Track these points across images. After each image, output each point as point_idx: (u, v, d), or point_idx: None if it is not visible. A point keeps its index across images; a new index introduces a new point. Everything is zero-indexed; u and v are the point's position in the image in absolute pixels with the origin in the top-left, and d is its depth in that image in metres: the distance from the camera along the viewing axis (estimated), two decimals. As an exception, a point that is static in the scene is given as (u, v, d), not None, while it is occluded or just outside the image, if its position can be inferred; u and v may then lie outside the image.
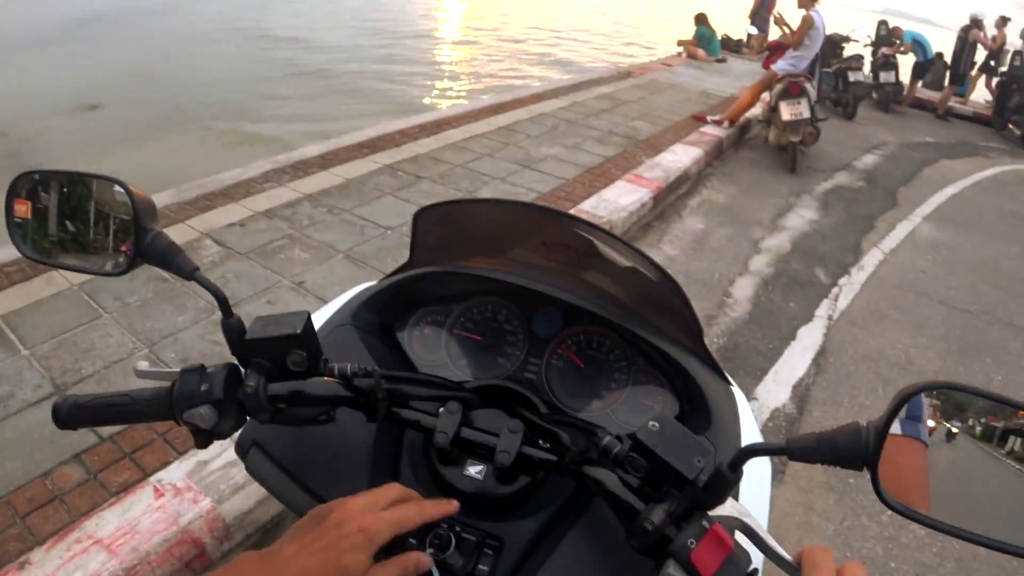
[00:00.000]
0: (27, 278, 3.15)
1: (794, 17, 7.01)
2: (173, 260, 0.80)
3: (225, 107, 10.46)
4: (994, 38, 10.97)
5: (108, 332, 2.78)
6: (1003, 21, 10.95)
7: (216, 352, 2.67)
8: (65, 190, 0.92)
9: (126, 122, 9.74)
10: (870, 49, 11.26)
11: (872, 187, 6.36)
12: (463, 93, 11.74)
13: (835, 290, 4.00)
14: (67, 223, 0.92)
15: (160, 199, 4.14)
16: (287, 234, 3.73)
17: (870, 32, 11.23)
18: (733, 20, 16.28)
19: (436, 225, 1.05)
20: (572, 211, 4.15)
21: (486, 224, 1.06)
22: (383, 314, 1.04)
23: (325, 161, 4.96)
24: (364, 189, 4.43)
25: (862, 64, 9.85)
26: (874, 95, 10.74)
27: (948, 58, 11.38)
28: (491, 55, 16.28)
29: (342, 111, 10.18)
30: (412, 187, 4.50)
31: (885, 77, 10.55)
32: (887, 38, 11.29)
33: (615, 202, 4.37)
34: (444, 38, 18.10)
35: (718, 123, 7.04)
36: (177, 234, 3.64)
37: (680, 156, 5.73)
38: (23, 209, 0.92)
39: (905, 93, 10.97)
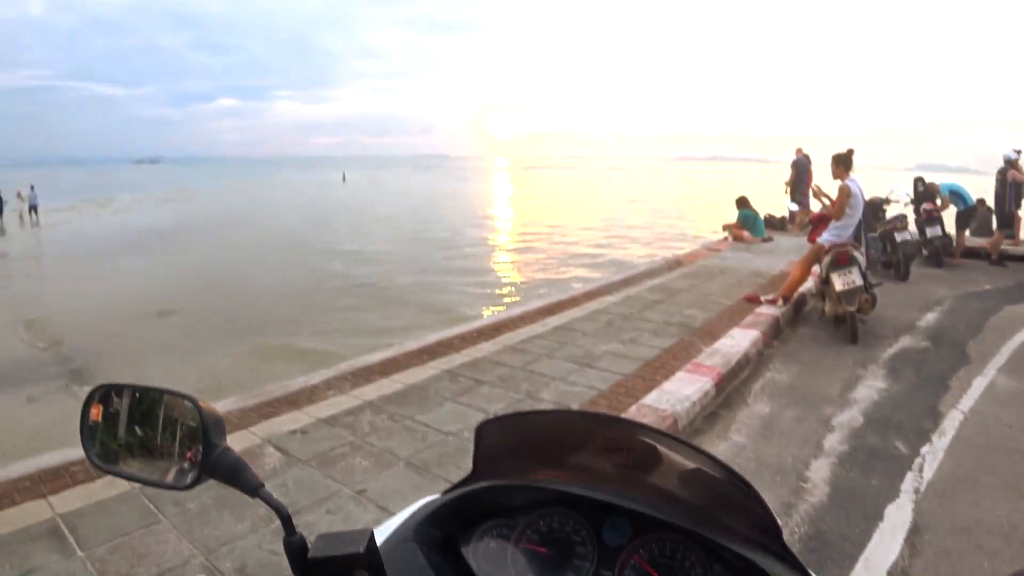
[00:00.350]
0: (91, 479, 3.31)
1: (832, 188, 7.30)
2: (239, 476, 0.85)
3: (290, 318, 11.18)
4: None
5: (166, 537, 2.83)
6: None
7: (274, 562, 2.67)
8: (138, 401, 0.97)
9: (193, 329, 10.55)
10: (911, 207, 11.48)
11: (939, 345, 6.26)
12: (518, 297, 12.26)
13: (918, 460, 3.86)
14: (136, 434, 0.96)
15: (223, 405, 4.34)
16: (348, 441, 3.82)
17: (908, 191, 11.52)
18: (773, 199, 16.91)
19: (498, 437, 1.06)
20: (634, 406, 4.22)
21: (549, 434, 1.07)
22: (447, 528, 1.03)
23: (386, 368, 5.14)
24: (425, 395, 4.55)
25: (907, 223, 10.03)
26: (924, 252, 10.81)
27: (991, 203, 11.49)
28: (542, 258, 17.11)
29: (401, 321, 10.73)
30: (472, 392, 4.61)
31: (931, 232, 10.67)
32: (926, 194, 11.53)
33: (677, 393, 4.42)
34: (496, 245, 19.22)
35: (772, 302, 7.17)
36: (239, 440, 3.78)
37: (738, 340, 5.82)
38: (95, 413, 0.98)
39: (955, 245, 10.99)
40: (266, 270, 14.91)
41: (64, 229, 27.93)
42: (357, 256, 16.61)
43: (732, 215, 13.74)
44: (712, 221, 26.97)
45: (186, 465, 0.90)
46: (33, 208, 31.15)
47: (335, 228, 22.76)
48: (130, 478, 0.97)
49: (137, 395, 0.97)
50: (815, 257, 6.97)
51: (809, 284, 7.62)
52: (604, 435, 1.03)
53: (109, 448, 0.98)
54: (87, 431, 0.99)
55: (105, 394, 0.99)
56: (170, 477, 0.92)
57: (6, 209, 30.44)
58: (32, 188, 31.72)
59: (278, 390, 4.68)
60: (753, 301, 7.35)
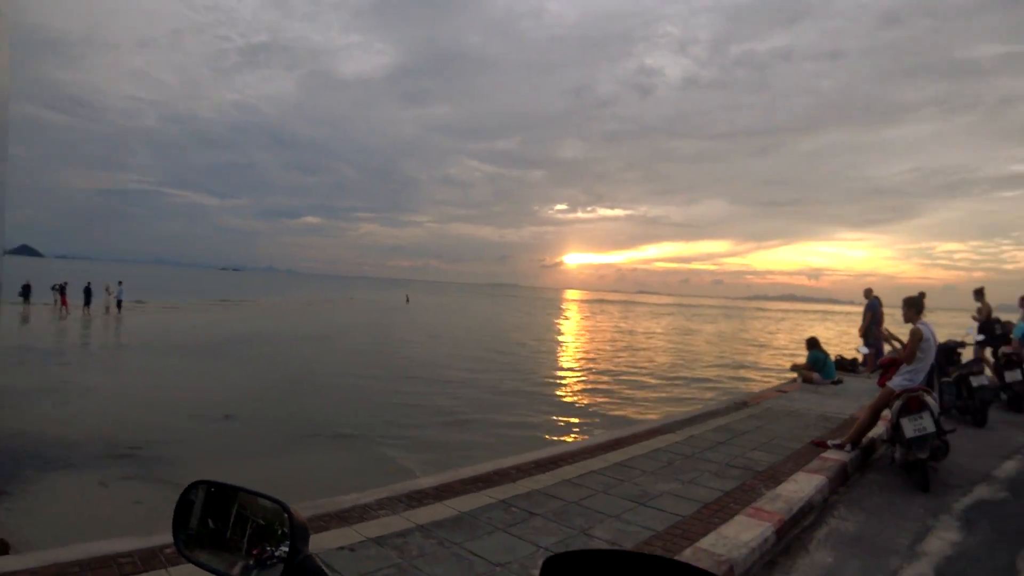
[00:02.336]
0: (137, 572, 3.42)
1: (903, 332, 7.26)
2: None
3: (347, 433, 11.40)
4: None
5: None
6: None
7: None
8: (232, 501, 1.05)
9: (256, 436, 10.93)
10: (989, 351, 11.16)
11: (1018, 496, 5.98)
12: (579, 429, 12.22)
13: (993, 621, 3.69)
14: (226, 529, 1.03)
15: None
16: (395, 563, 3.82)
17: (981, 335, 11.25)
18: (844, 341, 16.61)
19: (565, 573, 1.03)
20: (689, 549, 4.18)
21: (618, 574, 1.04)
22: None
23: (440, 492, 5.20)
24: (476, 523, 4.55)
25: (983, 368, 9.74)
26: (1003, 396, 10.40)
27: None
28: (606, 390, 17.03)
29: (458, 444, 10.84)
30: (525, 523, 4.60)
31: (1011, 377, 10.29)
32: (1004, 336, 11.21)
33: (735, 538, 4.36)
34: (560, 375, 19.16)
35: (840, 447, 7.02)
36: None
37: (802, 485, 5.70)
38: (189, 509, 1.06)
39: None
40: (337, 387, 15.39)
41: (141, 325, 30.05)
42: (420, 382, 17.02)
43: (803, 356, 13.58)
44: (777, 359, 26.57)
45: (269, 566, 0.97)
46: (119, 302, 34.14)
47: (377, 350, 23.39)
48: (211, 571, 1.03)
49: (233, 501, 1.07)
50: (885, 402, 6.85)
51: (879, 430, 7.44)
52: None
53: (198, 538, 1.07)
54: (180, 519, 1.09)
55: (202, 490, 1.10)
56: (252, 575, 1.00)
57: (94, 301, 33.18)
58: (120, 284, 35.07)
59: (329, 504, 4.78)
60: (820, 445, 7.20)
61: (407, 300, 76.08)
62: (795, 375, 13.29)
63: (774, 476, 6.00)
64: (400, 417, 12.69)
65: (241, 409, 12.63)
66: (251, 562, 1.01)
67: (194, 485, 1.12)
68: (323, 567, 0.93)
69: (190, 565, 1.07)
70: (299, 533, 0.95)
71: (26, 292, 34.90)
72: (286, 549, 0.96)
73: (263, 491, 1.06)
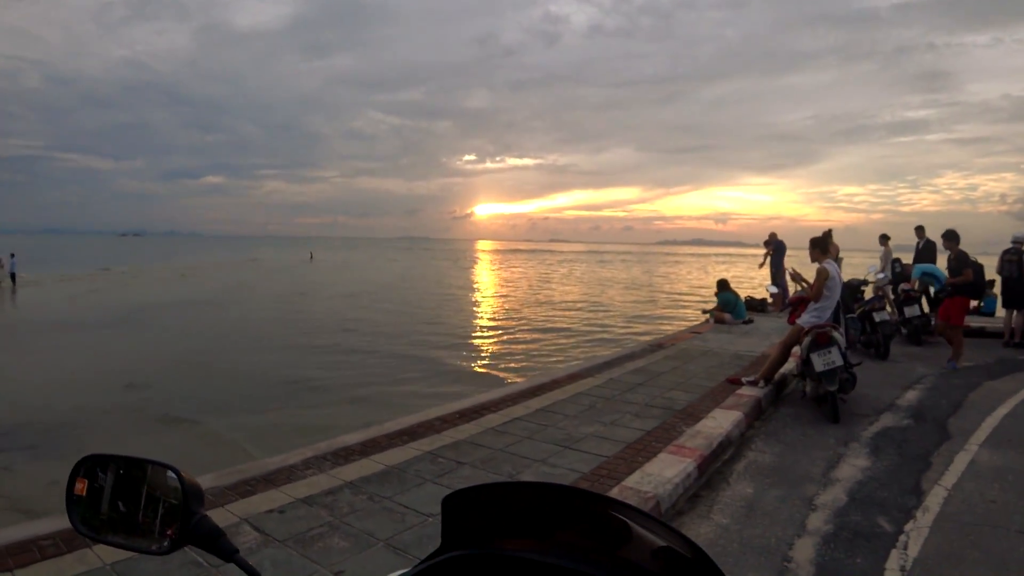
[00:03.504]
0: (60, 553, 3.26)
1: (810, 271, 7.50)
2: (215, 542, 0.90)
3: (262, 395, 11.16)
4: None
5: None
6: None
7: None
8: (121, 472, 1.03)
9: (164, 405, 10.47)
10: (889, 288, 11.78)
11: (920, 423, 6.34)
12: (499, 378, 12.24)
13: (903, 538, 3.86)
14: (119, 503, 1.01)
15: (200, 482, 4.28)
16: (327, 522, 3.77)
17: (886, 274, 11.86)
18: (752, 281, 17.23)
19: (465, 509, 1.07)
20: (616, 488, 4.22)
21: (516, 505, 1.07)
22: None
23: (366, 448, 5.11)
24: (405, 476, 4.52)
25: (884, 304, 10.27)
26: (903, 331, 11.02)
27: None
28: (523, 340, 17.18)
29: (381, 397, 10.76)
30: (453, 473, 4.58)
31: (910, 312, 10.89)
32: (903, 275, 11.85)
33: (659, 475, 4.43)
34: (476, 328, 19.19)
35: (753, 383, 7.24)
36: (216, 518, 3.69)
37: (720, 421, 5.86)
38: (81, 487, 1.04)
39: (933, 324, 11.10)
40: (245, 349, 14.90)
41: (39, 298, 28.33)
42: (336, 339, 16.70)
43: (714, 299, 13.99)
44: (689, 303, 27.40)
45: (166, 536, 0.95)
46: (12, 276, 32.05)
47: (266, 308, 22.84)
48: (109, 543, 1.00)
49: (121, 471, 1.03)
50: (795, 338, 7.09)
51: (790, 365, 7.73)
52: (573, 507, 1.03)
53: (93, 522, 1.03)
54: (73, 501, 1.04)
55: (91, 466, 1.05)
56: (150, 543, 0.97)
57: None
58: (12, 256, 32.59)
59: (255, 468, 4.64)
60: (735, 383, 7.42)
61: (311, 258, 75.01)
62: (707, 317, 13.68)
63: (693, 414, 6.14)
64: (309, 375, 12.44)
65: (148, 379, 12.04)
66: (149, 528, 0.98)
67: (81, 461, 1.06)
68: (216, 525, 0.92)
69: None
70: (191, 494, 0.94)
71: None
72: (182, 512, 0.94)
73: (151, 457, 1.03)
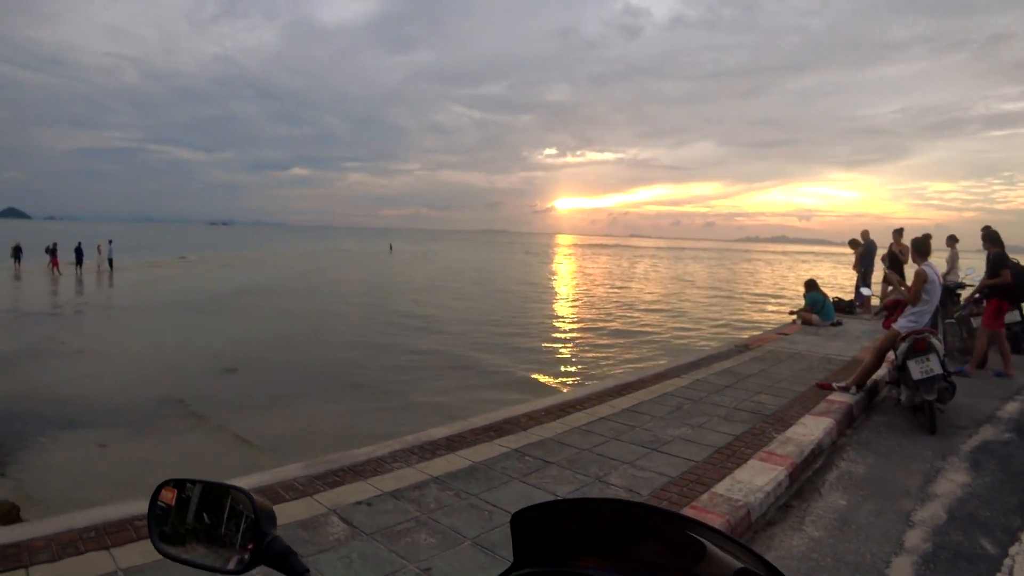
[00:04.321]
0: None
1: (908, 273, 7.19)
2: (287, 562, 0.93)
3: (351, 381, 11.51)
4: None
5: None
6: None
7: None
8: (198, 495, 1.10)
9: (260, 387, 11.00)
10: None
11: (1023, 437, 6.01)
12: (587, 376, 12.21)
13: (1007, 562, 3.67)
14: (200, 522, 1.08)
15: (290, 471, 4.41)
16: (414, 516, 3.78)
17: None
18: (840, 282, 16.63)
19: (537, 526, 1.06)
20: (706, 494, 4.16)
21: (589, 523, 1.05)
22: None
23: (452, 443, 5.15)
24: (491, 473, 4.51)
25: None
26: None
27: None
28: (600, 342, 17.03)
29: (465, 388, 10.89)
30: (540, 472, 4.57)
31: (1010, 318, 10.26)
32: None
33: (749, 483, 4.35)
34: (562, 326, 19.12)
35: (845, 389, 7.00)
36: (305, 508, 3.82)
37: (811, 428, 5.69)
38: (169, 496, 1.11)
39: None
40: (337, 334, 15.32)
41: (135, 283, 30.22)
42: (421, 324, 16.96)
43: (802, 299, 13.59)
44: (777, 305, 26.61)
45: (242, 555, 1.01)
46: (110, 261, 34.71)
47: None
48: (185, 562, 1.07)
49: (198, 490, 1.11)
50: (890, 343, 6.80)
51: (883, 371, 7.43)
52: (646, 525, 1.01)
53: (175, 533, 1.11)
54: (155, 517, 1.13)
55: (175, 486, 1.13)
56: (225, 563, 1.03)
57: (85, 261, 33.26)
58: (110, 243, 35.10)
59: (344, 459, 4.73)
60: (825, 388, 7.19)
61: (390, 249, 77.04)
62: (795, 318, 13.30)
63: (782, 419, 5.99)
64: (401, 361, 12.72)
65: (240, 362, 12.67)
66: (224, 549, 1.05)
67: (162, 485, 1.14)
68: (288, 546, 0.97)
69: None
70: (264, 517, 0.98)
71: (17, 253, 34.61)
72: (254, 533, 0.99)
73: (230, 482, 1.10)
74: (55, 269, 32.94)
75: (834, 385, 7.17)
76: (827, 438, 5.61)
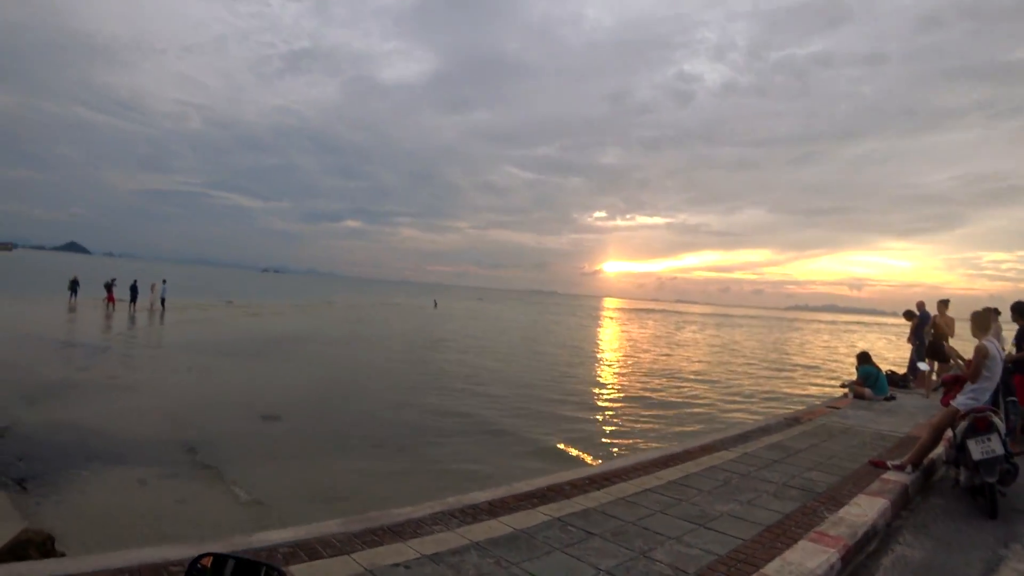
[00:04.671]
0: None
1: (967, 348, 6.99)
2: None
3: (390, 437, 11.45)
4: None
5: None
6: None
7: None
8: (236, 569, 1.15)
9: (300, 437, 11.01)
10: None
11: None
12: (630, 448, 11.95)
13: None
14: None
15: (328, 527, 4.39)
16: None
17: None
18: (896, 355, 16.19)
19: None
20: (755, 575, 4.05)
21: None
22: None
23: (494, 508, 5.07)
24: (533, 542, 4.41)
25: None
26: None
27: None
28: (652, 403, 16.76)
29: (504, 455, 10.77)
30: (583, 543, 4.46)
31: None
32: None
33: (800, 565, 4.21)
34: (605, 393, 18.88)
35: (900, 468, 6.78)
36: (341, 567, 3.77)
37: (865, 508, 5.51)
38: (207, 561, 1.17)
39: None
40: (378, 387, 15.29)
41: (185, 323, 31.14)
42: (464, 384, 16.79)
43: (853, 371, 13.28)
44: (824, 375, 25.95)
45: None
46: (162, 300, 36.22)
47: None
48: None
49: (233, 565, 1.16)
50: (948, 421, 6.59)
51: (940, 450, 7.17)
52: None
53: None
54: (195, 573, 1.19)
55: (212, 559, 1.19)
56: None
57: (140, 298, 34.96)
58: (164, 283, 36.61)
59: (384, 518, 4.68)
60: (879, 465, 6.97)
61: (435, 305, 78.37)
62: (846, 390, 12.97)
63: (834, 498, 5.81)
64: (442, 424, 12.69)
65: (281, 410, 12.85)
66: None
67: (199, 556, 1.20)
68: None
69: None
70: None
71: (74, 287, 36.54)
72: None
73: (262, 559, 1.20)
74: (110, 304, 34.27)
75: (889, 463, 6.94)
76: (882, 520, 5.41)
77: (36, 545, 3.58)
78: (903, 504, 6.07)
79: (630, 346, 38.39)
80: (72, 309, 32.36)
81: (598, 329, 57.60)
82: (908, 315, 14.94)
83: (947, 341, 11.59)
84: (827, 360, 34.65)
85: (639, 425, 14.09)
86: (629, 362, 28.46)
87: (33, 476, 7.98)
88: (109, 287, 34.57)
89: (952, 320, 13.26)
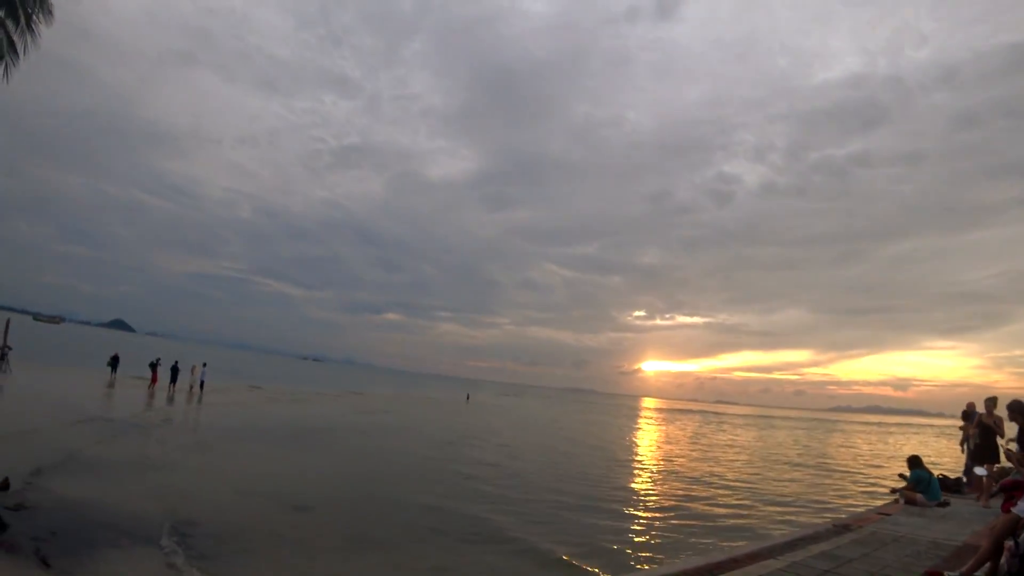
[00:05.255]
0: None
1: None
2: None
3: (422, 534, 11.16)
4: None
5: None
6: None
7: None
8: None
9: (330, 530, 10.76)
10: None
11: None
12: (667, 552, 11.41)
13: None
14: None
15: None
16: None
17: None
18: (947, 459, 15.56)
19: None
20: None
21: None
22: None
23: None
24: None
25: None
26: None
27: None
28: (692, 505, 16.17)
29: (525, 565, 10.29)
30: None
31: None
32: None
33: None
34: (641, 500, 18.26)
35: (958, 580, 6.45)
36: None
37: (923, 622, 5.24)
38: None
39: None
40: (410, 481, 14.91)
41: (221, 407, 31.33)
42: (496, 482, 16.20)
43: (899, 475, 12.79)
44: (869, 478, 24.94)
45: None
46: (201, 383, 36.36)
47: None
48: None
49: None
50: (1009, 529, 6.31)
51: (1001, 560, 6.82)
52: None
53: None
54: None
55: None
56: None
57: (180, 379, 35.21)
58: (204, 366, 37.08)
59: None
60: (935, 577, 6.65)
61: (467, 399, 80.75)
62: (896, 496, 12.46)
63: (891, 612, 5.54)
64: (480, 524, 12.33)
65: (312, 500, 12.75)
66: None
67: None
68: None
69: None
70: None
71: (114, 363, 36.98)
72: None
73: None
74: (153, 384, 34.27)
75: (945, 574, 6.61)
76: (943, 635, 5.13)
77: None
78: (964, 618, 5.75)
79: (668, 448, 37.36)
80: (111, 385, 32.90)
81: (636, 431, 56.33)
82: (966, 416, 14.37)
83: (1001, 440, 11.25)
84: (872, 464, 33.31)
85: (676, 536, 13.40)
86: (666, 466, 27.63)
87: (60, 552, 7.91)
88: (154, 366, 34.87)
89: (1002, 420, 12.83)
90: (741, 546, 8.75)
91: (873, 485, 22.82)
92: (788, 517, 15.73)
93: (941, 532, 9.16)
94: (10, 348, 29.82)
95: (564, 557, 10.77)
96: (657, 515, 15.19)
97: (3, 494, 9.86)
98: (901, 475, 13.20)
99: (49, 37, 15.65)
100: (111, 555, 8.17)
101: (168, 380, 34.78)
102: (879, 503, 13.38)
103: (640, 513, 15.40)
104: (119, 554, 8.26)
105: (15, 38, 15.19)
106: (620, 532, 13.15)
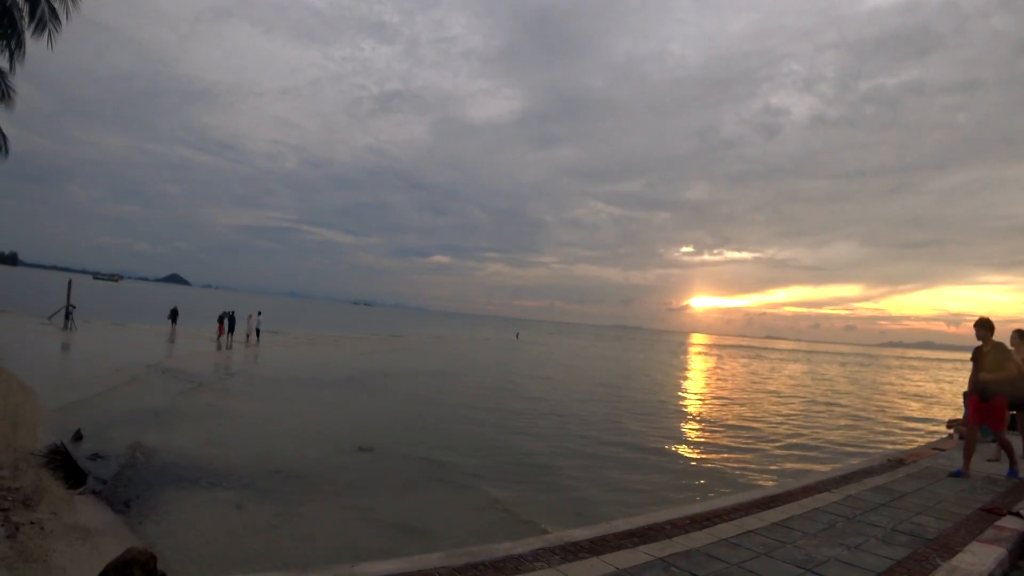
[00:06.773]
0: None
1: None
2: None
3: (483, 469, 11.41)
4: None
5: None
6: None
7: None
8: None
9: (392, 469, 11.04)
10: None
11: None
12: (726, 484, 11.55)
13: None
14: None
15: (430, 560, 4.34)
16: None
17: None
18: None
19: None
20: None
21: None
22: None
23: (595, 547, 4.92)
24: None
25: None
26: None
27: None
28: (748, 439, 16.18)
29: (600, 488, 10.58)
30: None
31: None
32: None
33: (916, 614, 4.01)
34: (695, 431, 18.29)
35: (1017, 515, 6.32)
36: None
37: (980, 557, 5.16)
38: None
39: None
40: (470, 420, 15.21)
41: (278, 354, 32.29)
42: (552, 416, 16.56)
43: (960, 410, 12.48)
44: (928, 413, 24.44)
45: None
46: (258, 331, 37.12)
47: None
48: None
49: None
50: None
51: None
52: None
53: None
54: None
55: None
56: None
57: (236, 329, 35.68)
58: (259, 314, 37.97)
59: (484, 553, 4.60)
60: (993, 512, 6.51)
61: (517, 336, 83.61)
62: (951, 431, 12.19)
63: (947, 545, 5.47)
64: (535, 458, 12.54)
65: (374, 441, 12.95)
66: None
67: None
68: None
69: None
70: None
71: (174, 316, 37.57)
72: None
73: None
74: (220, 336, 34.54)
75: (1003, 510, 6.49)
76: (999, 570, 5.05)
77: (140, 564, 3.78)
78: (1020, 554, 5.65)
79: (722, 383, 37.10)
80: (172, 338, 33.67)
81: (685, 366, 55.96)
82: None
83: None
84: (927, 400, 32.57)
85: (735, 466, 13.51)
86: (721, 399, 27.49)
87: (136, 497, 8.33)
88: (222, 320, 34.98)
89: None
90: (795, 479, 8.72)
91: (923, 419, 22.36)
92: (846, 446, 15.61)
93: (997, 468, 8.95)
94: (74, 307, 30.85)
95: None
96: (724, 441, 15.41)
97: (78, 445, 10.28)
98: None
99: (89, 2, 15.67)
100: (182, 497, 8.56)
101: (226, 330, 35.28)
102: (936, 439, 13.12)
103: (710, 443, 15.60)
104: (189, 496, 8.64)
105: (56, 5, 15.31)
106: (696, 460, 13.44)
